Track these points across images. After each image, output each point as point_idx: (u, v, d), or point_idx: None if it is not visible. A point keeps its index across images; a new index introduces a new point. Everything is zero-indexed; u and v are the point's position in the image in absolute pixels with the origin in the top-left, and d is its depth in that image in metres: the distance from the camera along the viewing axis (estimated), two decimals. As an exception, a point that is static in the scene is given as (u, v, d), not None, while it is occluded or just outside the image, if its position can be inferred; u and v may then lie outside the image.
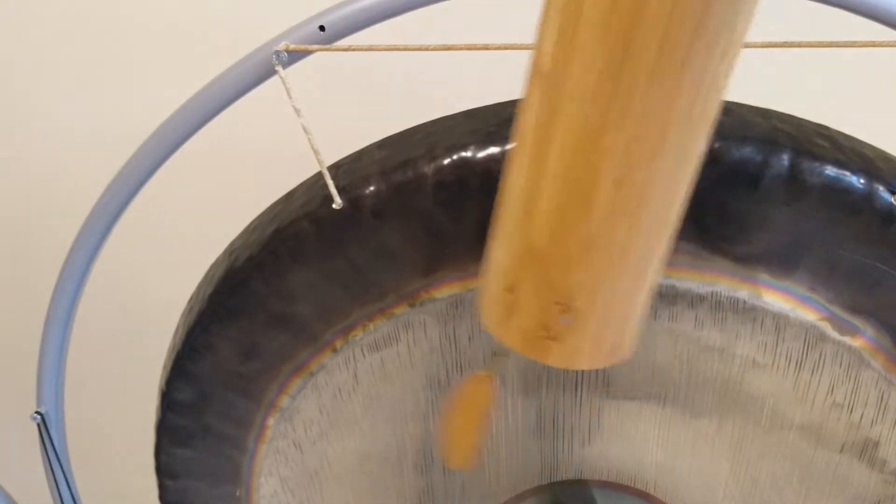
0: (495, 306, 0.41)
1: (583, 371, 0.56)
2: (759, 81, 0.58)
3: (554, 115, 0.34)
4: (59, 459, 0.63)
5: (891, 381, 0.52)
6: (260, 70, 0.48)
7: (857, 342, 0.51)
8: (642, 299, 0.40)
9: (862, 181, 0.46)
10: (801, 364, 0.53)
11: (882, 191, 0.46)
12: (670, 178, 0.35)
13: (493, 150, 0.48)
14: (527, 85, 0.35)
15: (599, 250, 0.36)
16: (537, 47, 0.34)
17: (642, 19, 0.30)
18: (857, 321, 0.51)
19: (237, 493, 0.62)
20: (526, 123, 0.36)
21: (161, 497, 0.63)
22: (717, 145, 0.46)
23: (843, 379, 0.52)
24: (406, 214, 0.50)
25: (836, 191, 0.46)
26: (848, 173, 0.46)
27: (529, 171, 0.36)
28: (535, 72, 0.35)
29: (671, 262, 0.51)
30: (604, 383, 0.57)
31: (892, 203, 0.46)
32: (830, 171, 0.46)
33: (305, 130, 0.48)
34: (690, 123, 0.33)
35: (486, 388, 0.49)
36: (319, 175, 0.50)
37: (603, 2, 0.30)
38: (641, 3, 0.30)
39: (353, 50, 0.47)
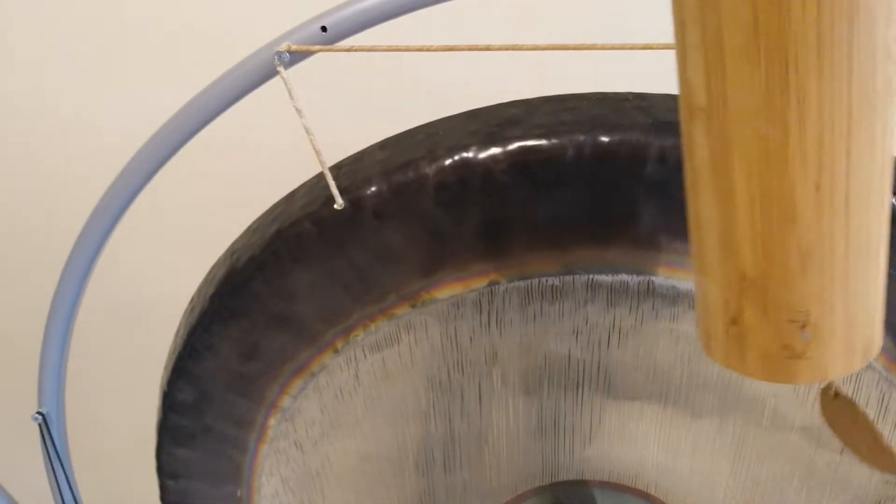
0: (725, 344, 0.39)
1: (584, 372, 0.56)
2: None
3: (728, 144, 0.33)
4: (60, 460, 0.63)
5: (891, 382, 0.52)
6: (262, 71, 0.48)
7: (858, 343, 0.51)
8: (881, 283, 0.38)
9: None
10: (801, 364, 0.53)
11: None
12: (870, 158, 0.34)
13: (494, 150, 0.48)
14: (686, 125, 0.35)
15: (820, 255, 0.35)
16: (685, 84, 0.34)
17: (790, 26, 0.30)
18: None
19: (238, 494, 0.62)
20: (698, 160, 0.35)
21: (162, 497, 0.63)
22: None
23: (844, 380, 0.52)
24: (407, 215, 0.50)
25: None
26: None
27: (718, 205, 0.35)
28: (692, 108, 0.34)
29: (672, 263, 0.51)
30: (605, 384, 0.57)
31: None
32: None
33: (307, 131, 0.48)
34: (875, 98, 0.32)
35: (850, 411, 0.48)
36: (321, 175, 0.50)
37: (743, 28, 0.30)
38: (785, 12, 0.29)
39: (355, 50, 0.47)
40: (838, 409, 0.48)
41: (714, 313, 0.39)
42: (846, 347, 0.38)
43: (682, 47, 0.33)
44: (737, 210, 0.35)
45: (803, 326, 0.36)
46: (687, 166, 0.37)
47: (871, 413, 0.53)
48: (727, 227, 0.36)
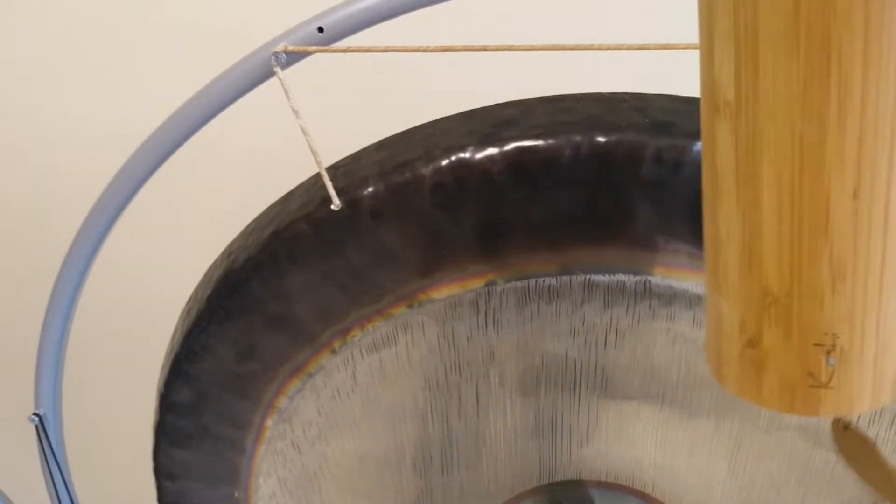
0: (739, 369, 0.35)
1: (581, 372, 0.56)
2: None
3: (757, 144, 0.30)
4: (56, 461, 0.63)
5: (888, 382, 0.52)
6: (258, 71, 0.48)
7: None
8: None
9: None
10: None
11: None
12: None
13: (491, 151, 0.48)
14: (708, 124, 0.32)
15: (854, 272, 0.32)
16: (710, 78, 0.31)
17: (836, 10, 0.27)
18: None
19: (236, 495, 0.62)
20: (721, 163, 0.32)
21: (159, 498, 0.63)
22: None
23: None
24: (404, 215, 0.50)
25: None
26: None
27: (741, 213, 0.32)
28: (717, 104, 0.31)
29: (669, 263, 0.51)
30: (602, 384, 0.57)
31: None
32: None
33: (304, 132, 0.48)
34: None
35: (863, 445, 0.44)
36: (318, 176, 0.50)
37: (783, 12, 0.28)
38: None
39: (352, 51, 0.47)
40: (850, 441, 0.45)
41: (729, 334, 0.35)
42: (875, 378, 0.34)
43: (708, 37, 0.30)
44: (763, 219, 0.31)
45: (830, 351, 0.33)
46: (706, 172, 0.33)
47: (867, 412, 0.53)
48: (751, 238, 0.32)
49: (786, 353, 0.34)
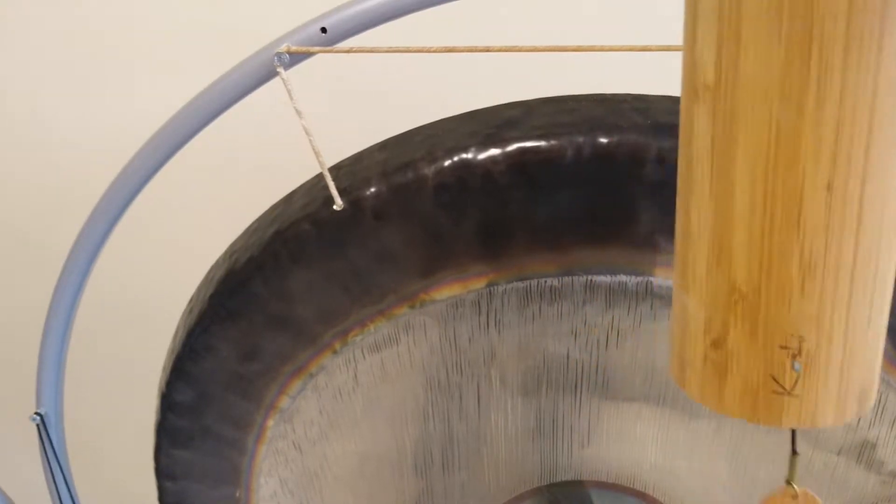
0: (701, 369, 0.34)
1: (582, 373, 0.56)
2: None
3: (734, 130, 0.29)
4: (58, 461, 0.63)
5: (888, 383, 0.52)
6: (261, 72, 0.48)
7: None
8: (884, 318, 0.33)
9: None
10: (799, 365, 0.53)
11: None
12: (890, 161, 0.30)
13: (493, 151, 0.48)
14: (687, 109, 0.31)
15: (824, 272, 0.30)
16: (691, 59, 0.30)
17: None
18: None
19: (237, 495, 0.62)
20: (696, 149, 0.31)
21: (160, 499, 0.63)
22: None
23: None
24: (406, 216, 0.50)
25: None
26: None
27: (713, 203, 0.31)
28: (696, 87, 0.30)
29: (670, 264, 0.51)
30: (603, 384, 0.57)
31: None
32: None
33: (306, 132, 0.48)
34: None
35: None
36: (320, 176, 0.50)
37: None
38: None
39: (355, 52, 0.47)
40: None
41: (693, 334, 0.34)
42: (841, 388, 0.33)
43: (692, 16, 0.30)
44: (734, 209, 0.31)
45: (795, 355, 0.32)
46: (682, 158, 0.33)
47: (868, 414, 0.53)
48: (722, 230, 0.31)
49: (750, 355, 0.33)
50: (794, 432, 0.39)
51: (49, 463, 0.63)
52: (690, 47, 0.30)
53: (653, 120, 0.48)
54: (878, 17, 0.27)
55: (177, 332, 0.58)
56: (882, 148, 0.29)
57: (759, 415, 0.34)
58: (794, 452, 0.40)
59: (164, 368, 0.58)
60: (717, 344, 0.33)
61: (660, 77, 0.55)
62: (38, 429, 0.61)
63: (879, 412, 0.53)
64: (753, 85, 0.29)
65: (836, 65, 0.27)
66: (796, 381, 0.33)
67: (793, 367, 0.32)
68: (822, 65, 0.27)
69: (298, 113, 0.47)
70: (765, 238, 0.31)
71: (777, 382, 0.33)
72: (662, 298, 0.52)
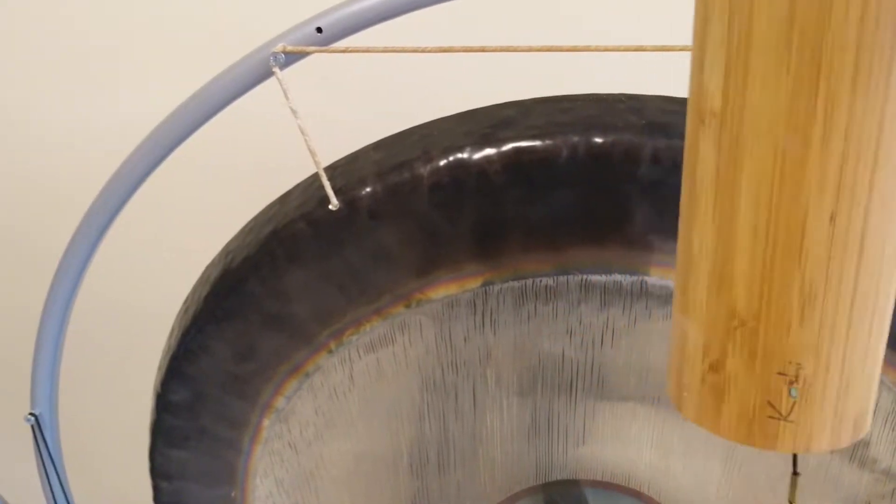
0: (698, 392, 0.35)
1: (577, 372, 0.56)
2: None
3: (739, 157, 0.30)
4: (52, 461, 0.63)
5: (881, 381, 0.53)
6: (257, 71, 0.48)
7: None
8: (881, 348, 0.33)
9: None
10: (793, 364, 0.53)
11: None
12: (894, 194, 0.30)
13: (489, 151, 0.49)
14: (692, 134, 0.32)
15: (824, 301, 0.31)
16: (698, 86, 0.30)
17: (830, 24, 0.27)
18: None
19: (232, 495, 0.62)
20: (700, 176, 0.31)
21: (155, 499, 0.63)
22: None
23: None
24: (402, 215, 0.50)
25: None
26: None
27: (716, 229, 0.31)
28: (702, 113, 0.30)
29: (665, 264, 0.51)
30: (598, 384, 0.57)
31: None
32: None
33: (302, 132, 0.48)
34: None
35: None
36: (316, 176, 0.50)
37: (777, 22, 0.27)
38: (826, 7, 0.26)
39: (350, 52, 0.47)
40: None
41: (692, 358, 0.34)
42: (836, 415, 0.33)
43: (700, 44, 0.30)
44: (736, 236, 0.31)
45: (792, 382, 0.32)
46: (686, 184, 0.33)
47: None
48: (724, 256, 0.32)
49: (747, 380, 0.33)
50: (795, 454, 0.39)
51: (44, 463, 0.63)
52: (698, 73, 0.30)
53: (648, 120, 0.49)
54: (888, 52, 0.27)
55: (172, 332, 0.58)
56: (886, 181, 0.29)
57: (755, 439, 0.34)
58: (794, 473, 0.40)
59: (160, 368, 0.58)
60: (716, 368, 0.34)
61: (655, 77, 0.55)
62: (33, 429, 0.61)
63: (876, 411, 0.53)
64: (760, 114, 0.29)
65: (843, 98, 0.28)
66: (793, 407, 0.33)
67: (790, 393, 0.33)
68: (830, 97, 0.28)
69: (294, 112, 0.47)
70: (766, 266, 0.31)
71: (773, 408, 0.33)
72: (657, 297, 0.52)
